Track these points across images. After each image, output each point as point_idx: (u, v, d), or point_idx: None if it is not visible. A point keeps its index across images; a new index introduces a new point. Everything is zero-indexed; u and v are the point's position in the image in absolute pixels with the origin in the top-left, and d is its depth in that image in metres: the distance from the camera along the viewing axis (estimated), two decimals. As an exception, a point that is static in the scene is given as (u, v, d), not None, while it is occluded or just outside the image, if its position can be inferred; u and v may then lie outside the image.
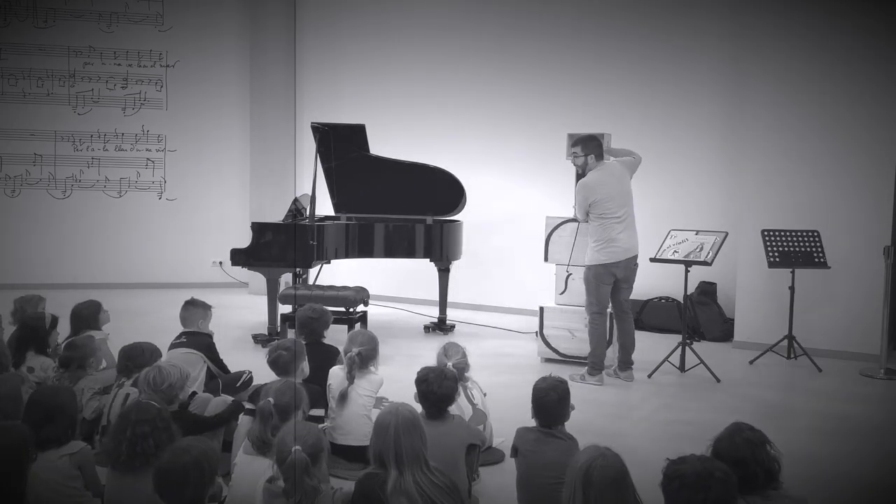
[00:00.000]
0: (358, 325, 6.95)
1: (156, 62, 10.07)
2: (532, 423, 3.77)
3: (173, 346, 5.17)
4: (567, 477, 2.82)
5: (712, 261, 6.45)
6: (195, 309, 5.32)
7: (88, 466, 3.53)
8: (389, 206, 7.95)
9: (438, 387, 3.83)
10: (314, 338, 5.16)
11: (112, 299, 6.90)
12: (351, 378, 4.44)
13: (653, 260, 6.66)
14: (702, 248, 6.49)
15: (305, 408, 3.80)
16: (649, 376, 6.44)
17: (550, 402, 3.68)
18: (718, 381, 6.34)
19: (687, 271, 6.54)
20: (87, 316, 5.41)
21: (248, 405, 4.14)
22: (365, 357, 4.49)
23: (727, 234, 6.63)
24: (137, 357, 4.43)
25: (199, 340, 5.18)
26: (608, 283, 6.25)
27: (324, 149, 7.67)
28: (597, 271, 6.23)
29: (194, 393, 4.49)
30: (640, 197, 6.53)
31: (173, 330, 5.39)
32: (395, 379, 5.32)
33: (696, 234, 6.66)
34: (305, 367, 4.45)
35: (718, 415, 5.21)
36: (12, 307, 5.62)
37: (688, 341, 6.63)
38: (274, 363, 4.38)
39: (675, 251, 6.60)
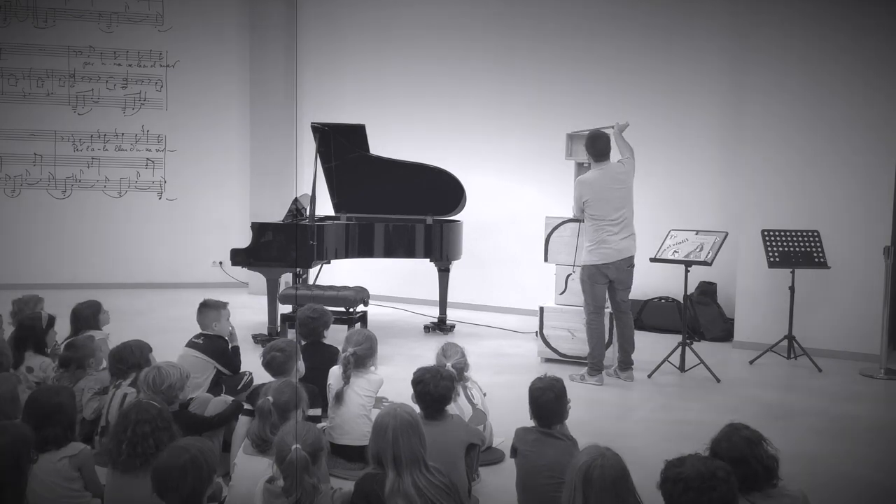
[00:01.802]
0: (358, 325, 6.94)
1: (156, 62, 10.06)
2: (531, 423, 3.76)
3: (190, 344, 5.14)
4: (567, 477, 2.82)
5: (712, 261, 6.45)
6: (207, 311, 5.24)
7: (88, 468, 3.52)
8: (389, 206, 7.94)
9: (434, 387, 3.83)
10: (314, 338, 5.16)
11: (112, 299, 6.89)
12: (346, 378, 4.43)
13: (653, 260, 6.66)
14: (702, 248, 6.49)
15: (305, 407, 3.80)
16: (649, 376, 6.43)
17: (548, 400, 3.67)
18: (718, 381, 6.33)
19: (687, 271, 6.54)
20: (88, 316, 5.40)
21: (246, 406, 4.13)
22: (360, 357, 4.48)
23: (727, 234, 6.63)
24: (128, 357, 4.42)
25: (213, 344, 5.13)
26: (602, 283, 6.26)
27: (324, 149, 7.67)
28: (590, 272, 6.26)
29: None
30: (641, 197, 6.53)
31: (172, 330, 5.40)
32: (395, 379, 5.31)
33: (696, 234, 6.66)
34: (301, 366, 4.44)
35: (718, 415, 5.19)
36: (11, 308, 5.62)
37: (688, 341, 6.62)
38: (269, 365, 4.37)
39: (675, 251, 6.60)
